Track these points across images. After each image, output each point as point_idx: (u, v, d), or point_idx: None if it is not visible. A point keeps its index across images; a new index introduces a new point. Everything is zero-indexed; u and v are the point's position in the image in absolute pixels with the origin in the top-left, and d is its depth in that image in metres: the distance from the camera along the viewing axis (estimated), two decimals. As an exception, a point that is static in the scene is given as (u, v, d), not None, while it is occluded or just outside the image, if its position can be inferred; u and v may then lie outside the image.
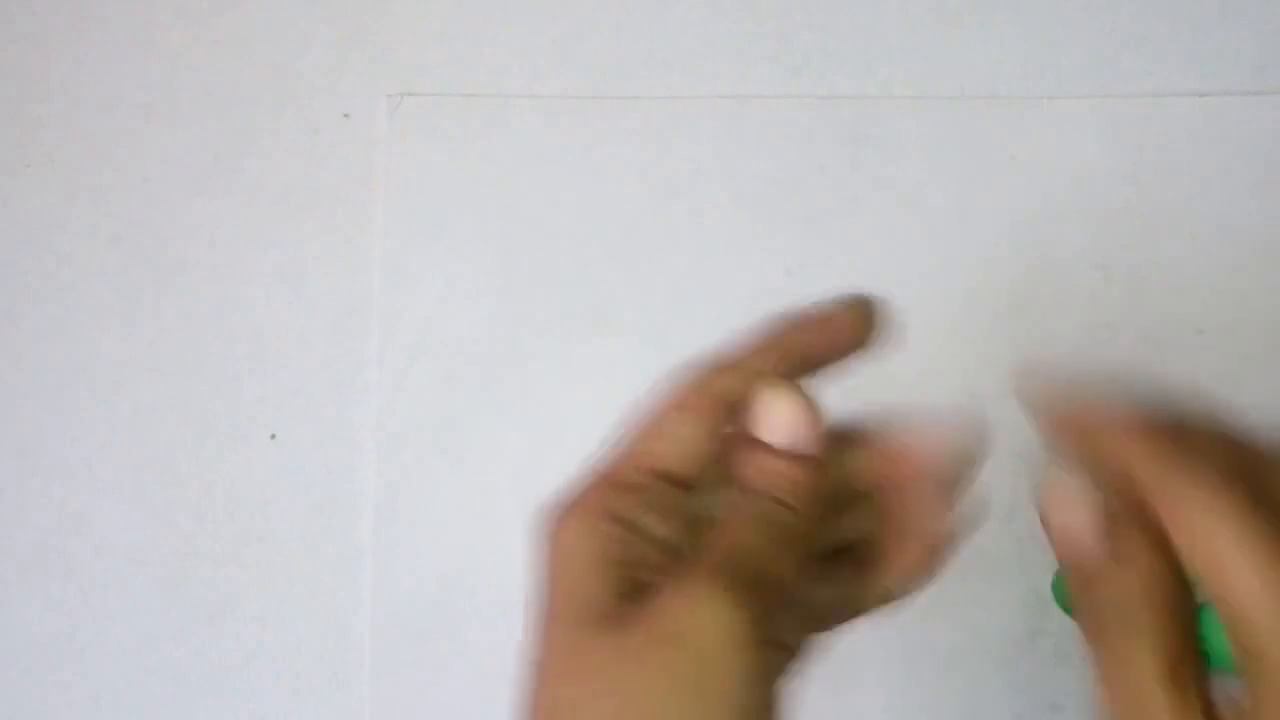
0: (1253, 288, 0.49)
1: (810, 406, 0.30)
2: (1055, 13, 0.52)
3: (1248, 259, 0.49)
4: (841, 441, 0.31)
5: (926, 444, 0.31)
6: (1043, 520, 0.29)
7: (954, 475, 0.31)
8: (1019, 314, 0.49)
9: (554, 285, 0.51)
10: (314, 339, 0.51)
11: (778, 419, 0.29)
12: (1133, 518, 0.27)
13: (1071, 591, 0.28)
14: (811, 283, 0.50)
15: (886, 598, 0.32)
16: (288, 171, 0.53)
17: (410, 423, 0.50)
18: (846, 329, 0.32)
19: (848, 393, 0.49)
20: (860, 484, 0.31)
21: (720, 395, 0.30)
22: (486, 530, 0.49)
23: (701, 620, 0.26)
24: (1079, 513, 0.28)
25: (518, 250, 0.51)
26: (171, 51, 0.54)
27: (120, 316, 0.52)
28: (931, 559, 0.31)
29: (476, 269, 0.51)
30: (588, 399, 0.49)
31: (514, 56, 0.53)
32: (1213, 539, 0.25)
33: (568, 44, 0.53)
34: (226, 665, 0.49)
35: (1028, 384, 0.30)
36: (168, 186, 0.53)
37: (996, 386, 0.49)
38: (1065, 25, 0.52)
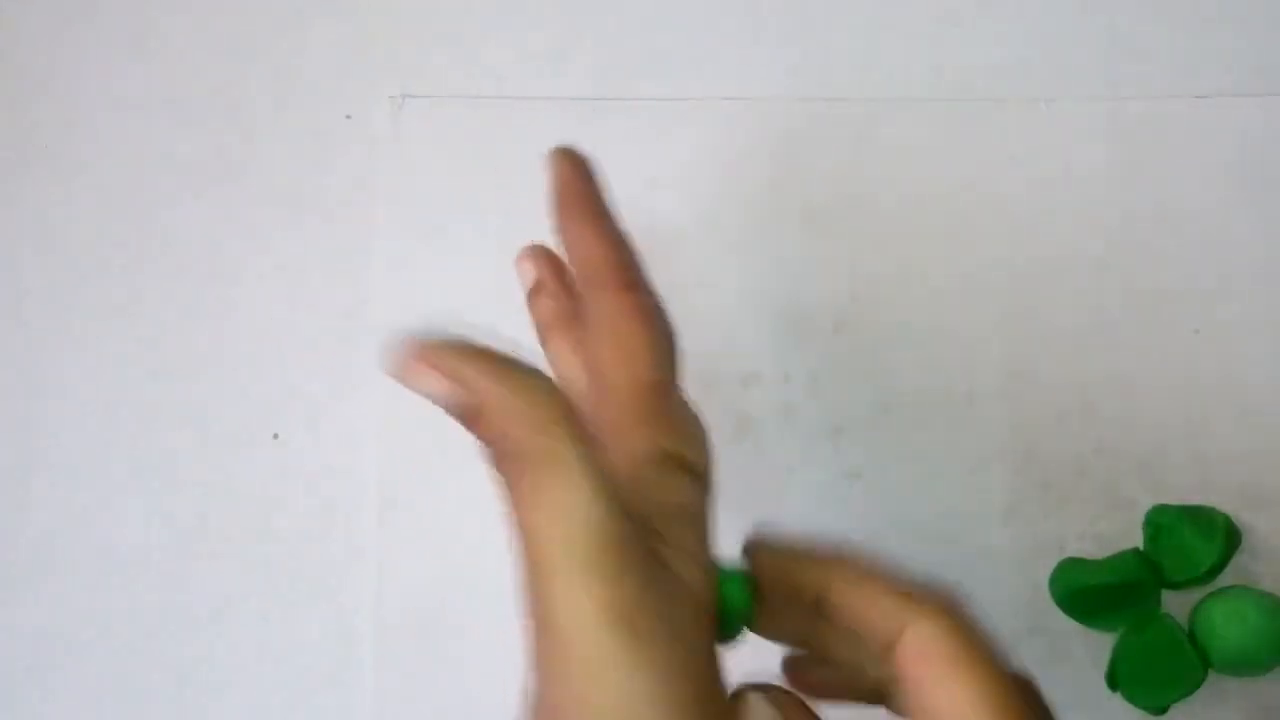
0: (1249, 288, 0.49)
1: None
2: (1055, 13, 0.52)
3: (1245, 259, 0.49)
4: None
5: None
6: None
7: None
8: (1019, 314, 0.49)
9: (555, 285, 0.50)
10: (315, 339, 0.51)
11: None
12: None
13: None
14: (812, 282, 0.50)
15: None
16: (289, 172, 0.53)
17: (412, 422, 0.50)
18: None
19: (848, 392, 0.49)
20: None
21: None
22: (489, 529, 0.49)
23: None
24: None
25: (518, 251, 0.51)
26: (173, 52, 0.55)
27: (121, 316, 0.52)
28: None
29: (476, 269, 0.51)
30: (589, 399, 0.49)
31: (515, 58, 0.53)
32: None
33: (568, 45, 0.53)
34: (228, 665, 0.49)
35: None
36: (169, 187, 0.53)
37: (996, 386, 0.49)
38: (1065, 26, 0.52)
